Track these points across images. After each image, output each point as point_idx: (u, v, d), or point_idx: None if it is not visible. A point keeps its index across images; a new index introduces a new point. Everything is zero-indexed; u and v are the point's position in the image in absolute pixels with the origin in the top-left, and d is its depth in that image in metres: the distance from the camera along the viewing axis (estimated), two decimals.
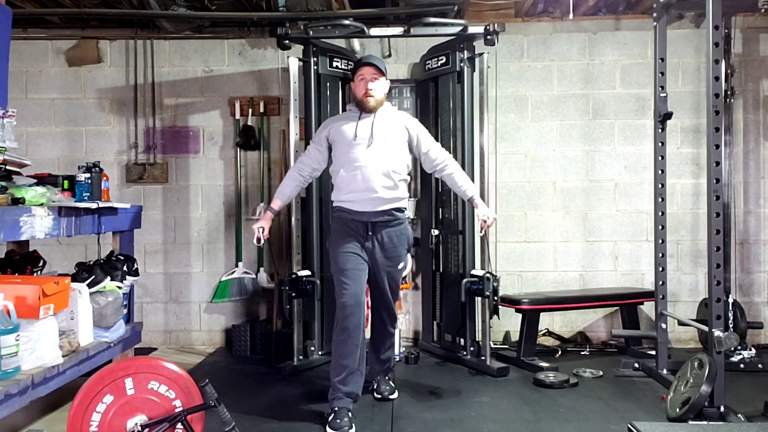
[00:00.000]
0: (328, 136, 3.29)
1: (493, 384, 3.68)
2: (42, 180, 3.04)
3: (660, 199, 3.70)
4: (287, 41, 4.02)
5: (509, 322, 4.48)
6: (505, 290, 4.30)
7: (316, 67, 4.10)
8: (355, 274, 3.11)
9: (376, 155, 3.14)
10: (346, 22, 4.01)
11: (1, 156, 2.80)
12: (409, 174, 3.30)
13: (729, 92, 4.35)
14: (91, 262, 3.43)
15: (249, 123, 4.66)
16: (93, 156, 4.59)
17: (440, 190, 4.34)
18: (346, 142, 3.19)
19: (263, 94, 4.72)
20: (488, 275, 3.76)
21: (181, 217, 4.77)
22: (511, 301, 4.11)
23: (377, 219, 3.16)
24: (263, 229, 3.25)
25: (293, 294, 3.86)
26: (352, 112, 3.30)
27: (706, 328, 3.02)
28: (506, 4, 4.52)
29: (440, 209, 4.36)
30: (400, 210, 3.23)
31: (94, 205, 3.16)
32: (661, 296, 3.71)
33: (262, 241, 3.26)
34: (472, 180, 4.05)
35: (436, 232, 4.33)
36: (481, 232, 3.30)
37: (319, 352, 4.12)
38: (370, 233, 3.17)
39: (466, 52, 4.07)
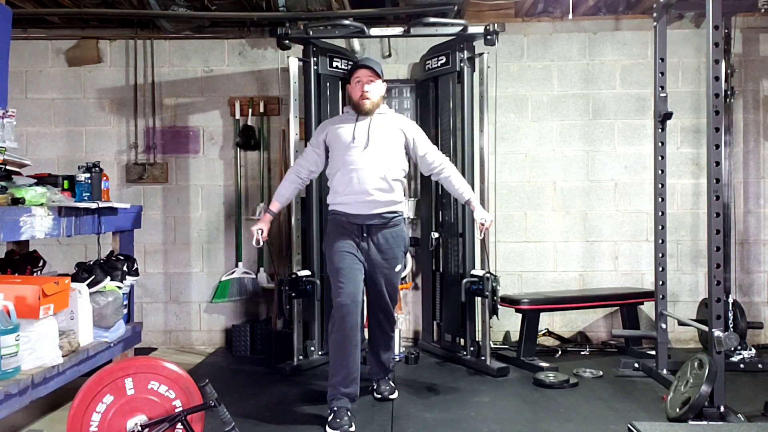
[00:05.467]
0: (326, 139, 3.30)
1: (493, 384, 3.68)
2: (42, 180, 3.04)
3: (660, 199, 3.70)
4: (287, 41, 4.01)
5: (509, 322, 4.48)
6: (505, 290, 4.30)
7: (316, 67, 4.10)
8: (350, 273, 3.11)
9: (372, 158, 3.15)
10: (346, 22, 4.01)
11: (1, 156, 2.80)
12: (405, 177, 3.30)
13: (729, 92, 4.35)
14: (91, 262, 3.43)
15: (249, 123, 4.66)
16: (93, 156, 4.59)
17: (440, 191, 4.33)
18: (343, 144, 3.20)
19: (263, 94, 4.72)
20: (488, 275, 3.76)
21: (181, 217, 4.77)
22: (511, 301, 4.11)
23: (372, 222, 3.17)
24: (262, 231, 3.27)
25: (293, 294, 3.86)
26: (348, 115, 3.31)
27: (706, 328, 3.02)
28: (506, 4, 4.52)
29: (440, 211, 4.35)
30: (396, 213, 3.23)
31: (94, 205, 3.16)
32: (661, 296, 3.71)
33: (261, 243, 3.28)
34: (472, 180, 4.06)
35: (436, 235, 4.32)
36: (480, 235, 3.29)
37: (319, 352, 4.12)
38: (365, 235, 3.17)
39: (466, 52, 4.07)
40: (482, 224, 3.21)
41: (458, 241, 4.12)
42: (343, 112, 3.54)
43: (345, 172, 3.17)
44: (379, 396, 3.40)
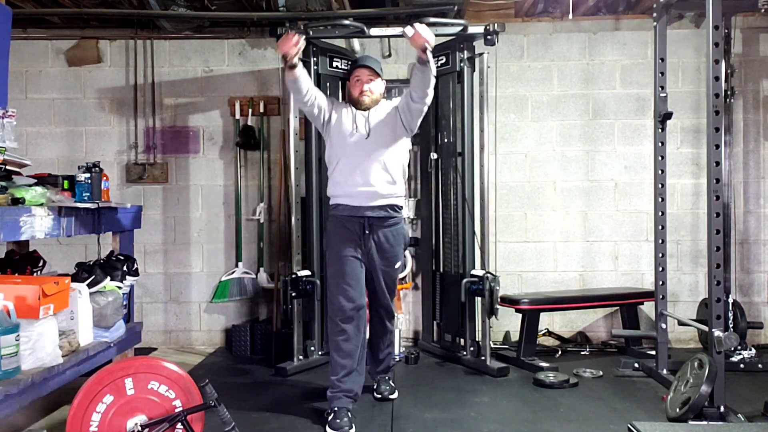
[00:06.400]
0: (332, 109, 3.21)
1: (493, 384, 3.68)
2: (42, 180, 3.04)
3: (660, 199, 3.69)
4: None
5: (509, 322, 4.48)
6: (505, 290, 4.30)
7: (316, 67, 4.10)
8: (353, 278, 3.11)
9: (374, 148, 3.13)
10: (346, 22, 4.01)
11: (1, 156, 2.80)
12: (405, 171, 3.28)
13: (729, 92, 4.35)
14: (91, 262, 3.43)
15: (249, 123, 4.66)
16: (93, 156, 4.58)
17: (440, 188, 4.34)
18: (344, 132, 3.17)
19: (263, 94, 4.72)
20: (488, 275, 3.76)
21: (181, 217, 4.77)
22: (511, 301, 4.11)
23: (374, 214, 3.14)
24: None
25: (293, 294, 3.86)
26: (349, 105, 3.27)
27: (706, 328, 3.02)
28: (506, 4, 4.52)
29: (439, 133, 4.34)
30: (397, 208, 3.22)
31: (94, 205, 3.15)
32: (661, 296, 3.71)
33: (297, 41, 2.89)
34: (472, 180, 4.07)
35: (435, 156, 4.30)
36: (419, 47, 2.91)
37: (319, 352, 4.12)
38: (366, 232, 3.15)
39: (466, 52, 4.07)
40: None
41: (458, 240, 4.12)
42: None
43: (346, 163, 3.15)
44: (379, 396, 3.40)
